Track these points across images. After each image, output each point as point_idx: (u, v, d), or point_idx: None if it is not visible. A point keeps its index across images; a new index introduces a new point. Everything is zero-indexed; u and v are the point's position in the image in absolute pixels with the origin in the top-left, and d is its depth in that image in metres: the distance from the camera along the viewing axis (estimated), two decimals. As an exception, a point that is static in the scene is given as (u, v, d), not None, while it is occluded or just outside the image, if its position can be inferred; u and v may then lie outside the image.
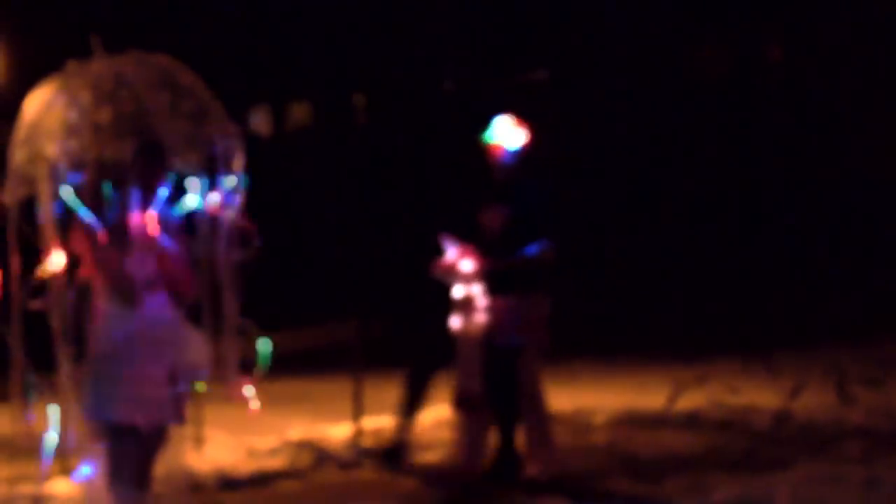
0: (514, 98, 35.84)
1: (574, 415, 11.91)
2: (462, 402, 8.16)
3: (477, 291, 7.97)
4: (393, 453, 8.99)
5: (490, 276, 7.95)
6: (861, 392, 9.22)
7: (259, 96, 43.55)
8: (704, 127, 32.54)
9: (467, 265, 7.93)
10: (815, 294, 22.93)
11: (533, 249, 7.99)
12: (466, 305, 7.98)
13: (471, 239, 7.99)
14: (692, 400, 10.52)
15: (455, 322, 8.01)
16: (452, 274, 7.96)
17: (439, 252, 8.06)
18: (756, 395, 10.42)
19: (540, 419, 8.56)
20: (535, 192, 8.12)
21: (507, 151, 8.00)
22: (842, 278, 23.67)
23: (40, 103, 5.55)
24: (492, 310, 8.01)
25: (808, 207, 28.86)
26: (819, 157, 29.91)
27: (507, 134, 8.02)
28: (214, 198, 5.67)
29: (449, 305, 8.11)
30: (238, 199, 5.67)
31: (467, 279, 7.94)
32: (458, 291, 7.97)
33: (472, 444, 8.22)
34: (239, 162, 5.64)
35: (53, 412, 5.76)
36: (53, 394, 5.82)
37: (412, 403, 8.94)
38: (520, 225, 8.00)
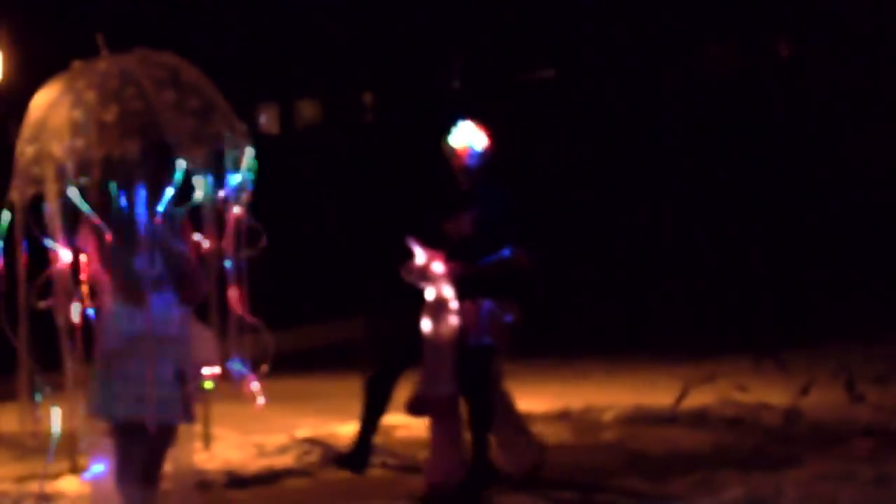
0: (521, 96, 35.90)
1: (583, 412, 11.91)
2: (433, 407, 7.94)
3: (449, 293, 7.81)
4: (354, 458, 8.58)
5: (459, 281, 7.80)
6: (870, 390, 9.20)
7: (267, 94, 43.62)
8: (710, 124, 32.51)
9: (438, 267, 7.79)
10: (823, 292, 22.90)
11: (503, 254, 7.83)
12: (438, 307, 7.82)
13: (437, 244, 7.86)
14: (701, 398, 10.51)
15: (426, 325, 7.83)
16: (423, 276, 7.82)
17: (408, 254, 7.93)
18: (765, 393, 10.40)
19: (508, 416, 8.35)
20: (499, 198, 7.95)
21: (470, 155, 7.85)
22: (850, 276, 23.64)
23: (46, 102, 5.54)
24: (462, 312, 7.83)
25: (816, 205, 28.83)
26: (825, 155, 29.88)
27: (469, 137, 7.88)
28: (221, 196, 5.66)
29: (418, 307, 7.96)
30: (245, 196, 5.66)
31: (438, 281, 7.81)
32: (429, 294, 7.83)
33: (446, 451, 7.97)
34: (246, 159, 5.63)
35: (59, 411, 5.77)
36: (60, 393, 5.83)
37: (376, 406, 8.49)
38: (485, 231, 7.85)
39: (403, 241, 7.85)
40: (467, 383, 7.84)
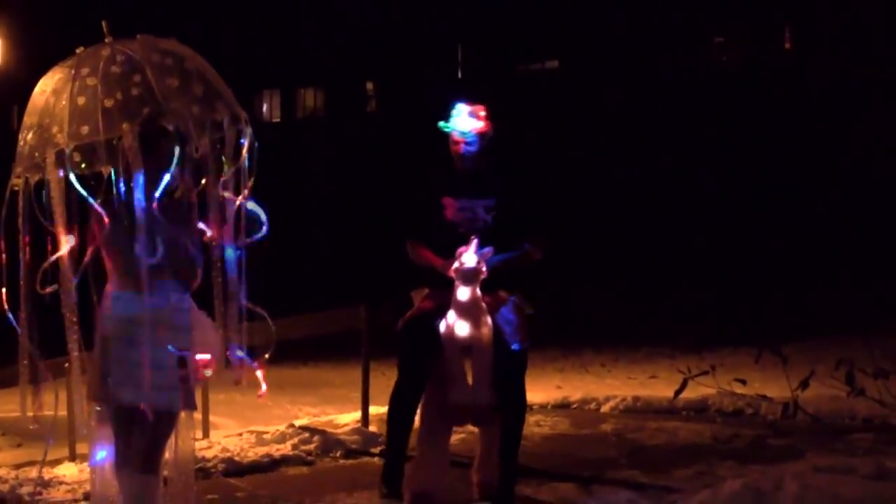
0: (523, 86, 35.85)
1: (583, 403, 11.92)
2: (482, 417, 7.32)
3: (479, 291, 7.19)
4: (391, 484, 7.67)
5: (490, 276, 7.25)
6: (870, 384, 9.20)
7: (269, 81, 43.60)
8: (713, 116, 32.48)
9: (470, 259, 7.16)
10: (825, 287, 22.91)
11: (525, 246, 7.26)
12: (474, 308, 7.17)
13: (443, 236, 7.32)
14: (701, 390, 10.50)
15: (463, 328, 7.16)
16: (468, 277, 7.17)
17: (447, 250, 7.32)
18: (765, 386, 10.40)
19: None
20: (518, 185, 7.49)
21: (467, 140, 7.38)
22: (852, 271, 23.65)
23: (49, 88, 5.53)
24: (494, 309, 7.27)
25: (818, 199, 28.82)
26: (828, 148, 29.86)
27: (465, 121, 7.41)
28: (223, 183, 5.65)
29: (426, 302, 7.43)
30: (247, 184, 5.65)
31: (477, 279, 7.19)
32: (463, 294, 7.16)
33: (435, 461, 7.43)
34: (248, 147, 5.62)
35: (58, 398, 5.77)
36: (62, 379, 5.83)
37: (405, 426, 7.61)
38: (506, 220, 7.33)
39: (455, 238, 7.25)
40: (506, 388, 7.26)
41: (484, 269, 7.15)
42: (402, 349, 7.42)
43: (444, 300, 7.23)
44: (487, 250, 7.16)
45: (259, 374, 5.81)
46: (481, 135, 7.41)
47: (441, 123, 7.43)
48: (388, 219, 8.31)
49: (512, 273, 7.36)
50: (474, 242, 7.13)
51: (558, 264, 27.05)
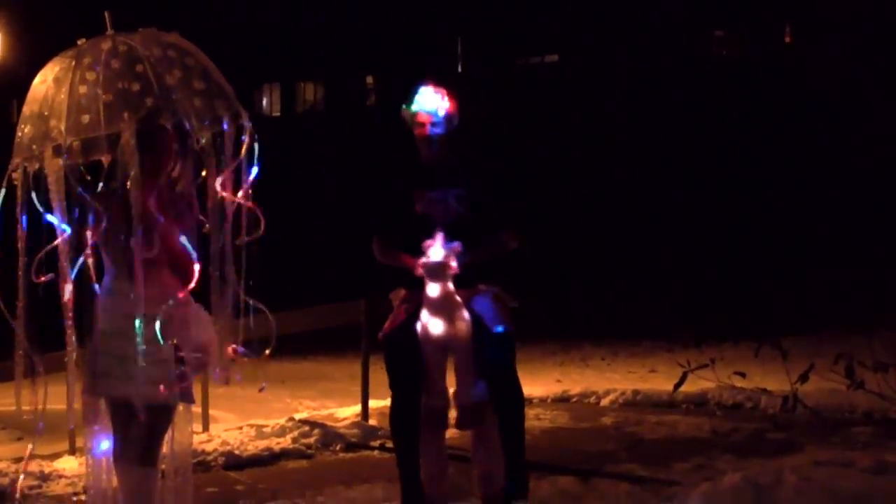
0: (523, 80, 35.85)
1: (583, 397, 11.93)
2: (475, 417, 6.96)
3: (452, 286, 6.81)
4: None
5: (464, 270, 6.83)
6: (870, 377, 9.20)
7: (269, 75, 43.59)
8: (714, 110, 32.47)
9: (437, 252, 6.78)
10: (825, 282, 22.90)
11: (499, 236, 6.89)
12: (447, 304, 6.80)
13: (416, 228, 6.88)
14: (701, 384, 10.51)
15: (438, 327, 6.79)
16: (437, 273, 6.78)
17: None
18: (765, 380, 10.41)
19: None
20: (489, 173, 7.01)
21: (432, 122, 6.88)
22: (853, 265, 23.63)
23: (50, 78, 5.53)
24: (466, 301, 6.83)
25: (819, 194, 28.82)
26: (827, 142, 29.86)
27: (430, 102, 6.92)
28: (223, 178, 5.64)
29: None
30: (247, 179, 5.64)
31: (447, 276, 6.79)
32: (433, 290, 6.79)
33: (436, 459, 7.04)
34: (249, 142, 5.61)
35: (53, 390, 5.76)
36: (56, 373, 5.82)
37: (410, 445, 7.10)
38: (477, 210, 6.87)
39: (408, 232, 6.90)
40: (496, 377, 6.85)
41: (453, 263, 6.75)
42: (387, 365, 7.04)
43: (421, 300, 6.87)
44: (456, 245, 6.75)
45: (257, 369, 5.79)
46: (448, 116, 6.93)
47: (403, 105, 6.97)
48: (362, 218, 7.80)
49: (489, 265, 6.95)
50: (440, 237, 6.76)
51: (558, 258, 26.96)
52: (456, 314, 6.81)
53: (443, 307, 6.79)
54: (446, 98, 6.96)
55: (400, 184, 7.06)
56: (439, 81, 7.03)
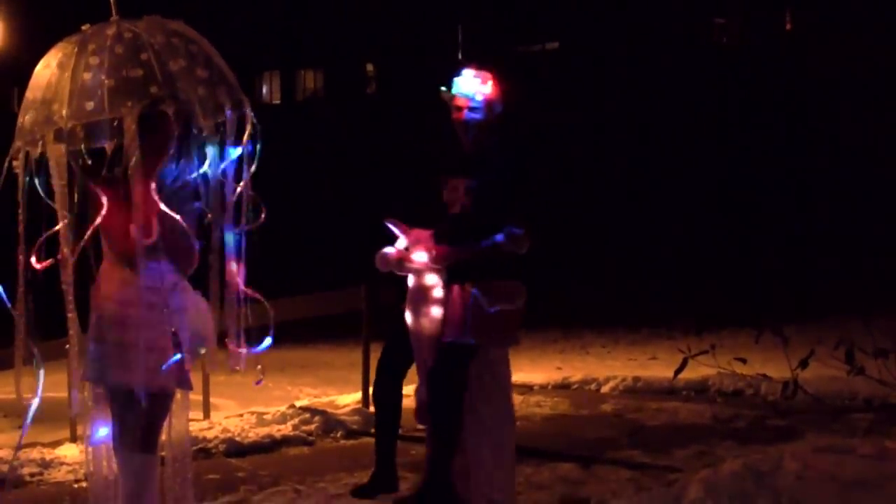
0: (523, 68, 35.81)
1: (583, 384, 11.95)
2: (419, 415, 6.95)
3: (432, 280, 6.78)
4: (379, 482, 7.33)
5: (447, 265, 6.71)
6: (870, 364, 9.20)
7: (270, 63, 43.56)
8: (714, 98, 32.45)
9: (420, 256, 6.75)
10: (825, 270, 22.91)
11: (496, 239, 6.49)
12: (419, 297, 6.79)
13: (432, 217, 6.80)
14: (701, 370, 10.52)
15: (408, 317, 6.79)
16: (402, 265, 6.80)
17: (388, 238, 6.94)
18: (765, 367, 10.42)
19: (498, 443, 6.69)
20: (506, 165, 6.63)
21: (470, 106, 6.62)
22: (853, 253, 23.64)
23: (54, 63, 5.51)
24: (447, 301, 6.67)
25: (818, 182, 28.81)
26: (827, 130, 29.85)
27: (470, 86, 6.64)
28: (223, 165, 5.63)
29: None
30: (248, 167, 5.63)
31: (420, 269, 6.78)
32: (410, 281, 6.80)
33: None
34: (250, 130, 5.60)
35: (53, 378, 5.76)
36: (56, 360, 5.82)
37: (387, 423, 7.35)
38: (483, 204, 6.59)
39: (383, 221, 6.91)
40: (432, 387, 6.65)
41: (437, 266, 6.68)
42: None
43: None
44: (448, 248, 6.64)
45: (257, 357, 5.77)
46: (488, 102, 6.65)
47: (443, 88, 6.72)
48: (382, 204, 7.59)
49: (484, 265, 6.57)
50: (426, 237, 6.75)
51: (558, 246, 27.00)
52: (423, 310, 6.80)
53: (414, 301, 6.83)
54: (490, 83, 6.69)
55: (432, 168, 6.92)
56: (484, 65, 6.81)
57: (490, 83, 6.69)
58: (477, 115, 6.65)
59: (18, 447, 6.89)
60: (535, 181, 6.89)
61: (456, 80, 6.69)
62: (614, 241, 28.89)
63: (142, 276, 5.45)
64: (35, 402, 5.59)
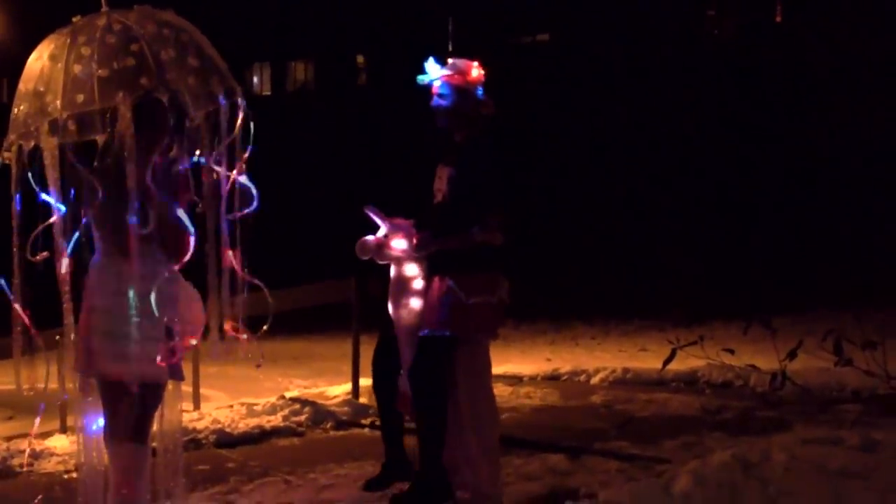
0: (514, 59, 35.80)
1: (573, 375, 11.97)
2: (403, 405, 6.97)
3: (413, 272, 6.79)
4: (392, 470, 7.36)
5: (426, 254, 6.70)
6: (858, 356, 9.24)
7: (260, 54, 43.48)
8: (707, 90, 32.45)
9: (399, 244, 6.75)
10: (816, 263, 22.95)
11: (471, 230, 6.47)
12: (400, 288, 6.80)
13: (409, 208, 6.81)
14: (690, 362, 10.55)
15: (389, 308, 6.81)
16: (382, 252, 6.79)
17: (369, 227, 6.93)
18: (754, 358, 10.46)
19: (482, 436, 6.69)
20: (482, 155, 6.55)
21: (439, 92, 6.59)
22: (843, 247, 23.68)
23: (45, 55, 5.52)
24: (426, 293, 6.68)
25: (811, 176, 28.83)
26: (820, 123, 29.86)
27: (433, 68, 6.61)
28: (217, 156, 5.64)
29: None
30: (240, 157, 5.64)
31: (399, 256, 6.78)
32: (391, 271, 6.81)
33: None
34: (242, 120, 5.61)
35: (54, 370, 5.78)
36: (58, 350, 5.83)
37: (388, 411, 7.36)
38: (460, 193, 6.54)
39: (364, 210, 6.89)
40: (413, 381, 6.68)
41: (415, 254, 6.69)
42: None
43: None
44: (423, 236, 6.64)
45: (250, 347, 5.79)
46: (458, 88, 6.58)
47: (419, 77, 6.67)
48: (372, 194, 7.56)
49: (461, 256, 6.54)
50: (406, 226, 6.75)
51: (549, 238, 26.96)
52: (402, 301, 6.81)
53: (394, 292, 6.85)
54: (454, 68, 6.62)
55: (428, 157, 6.87)
56: (472, 56, 6.75)
57: (461, 69, 6.61)
58: (444, 102, 6.61)
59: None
60: (515, 173, 6.88)
61: (427, 66, 6.67)
62: (606, 233, 28.89)
63: (135, 266, 5.45)
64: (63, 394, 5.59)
